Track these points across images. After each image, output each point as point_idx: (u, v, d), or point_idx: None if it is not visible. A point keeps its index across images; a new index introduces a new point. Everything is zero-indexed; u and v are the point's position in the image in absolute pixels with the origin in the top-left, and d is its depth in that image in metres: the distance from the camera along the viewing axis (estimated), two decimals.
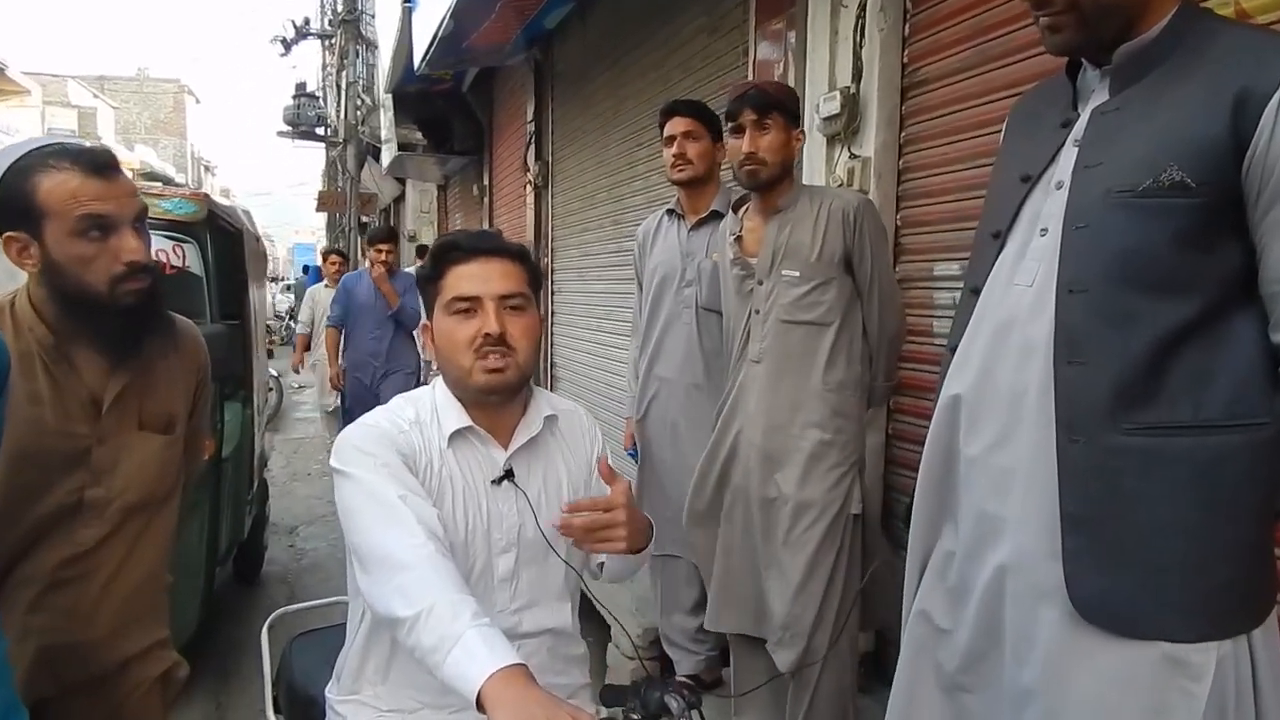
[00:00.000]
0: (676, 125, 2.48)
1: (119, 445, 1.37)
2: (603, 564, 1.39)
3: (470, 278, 1.27)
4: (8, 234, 1.26)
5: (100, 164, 1.26)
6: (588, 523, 1.20)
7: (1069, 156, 1.12)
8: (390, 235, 5.17)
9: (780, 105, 2.04)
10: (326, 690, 1.34)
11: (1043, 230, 1.13)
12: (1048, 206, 1.13)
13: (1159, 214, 1.01)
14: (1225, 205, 1.00)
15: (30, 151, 1.27)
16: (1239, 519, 1.03)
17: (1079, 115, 1.14)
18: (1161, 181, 1.01)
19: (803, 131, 2.08)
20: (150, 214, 2.90)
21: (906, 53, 2.67)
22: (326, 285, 6.53)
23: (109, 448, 1.36)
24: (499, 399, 1.29)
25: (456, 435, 1.28)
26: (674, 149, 2.47)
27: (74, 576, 1.34)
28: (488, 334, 1.24)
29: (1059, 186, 1.12)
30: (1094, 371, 1.05)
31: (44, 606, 1.32)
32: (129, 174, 1.35)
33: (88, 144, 1.32)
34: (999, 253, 1.20)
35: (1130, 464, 1.04)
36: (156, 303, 1.36)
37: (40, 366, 1.30)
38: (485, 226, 9.28)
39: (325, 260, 7.21)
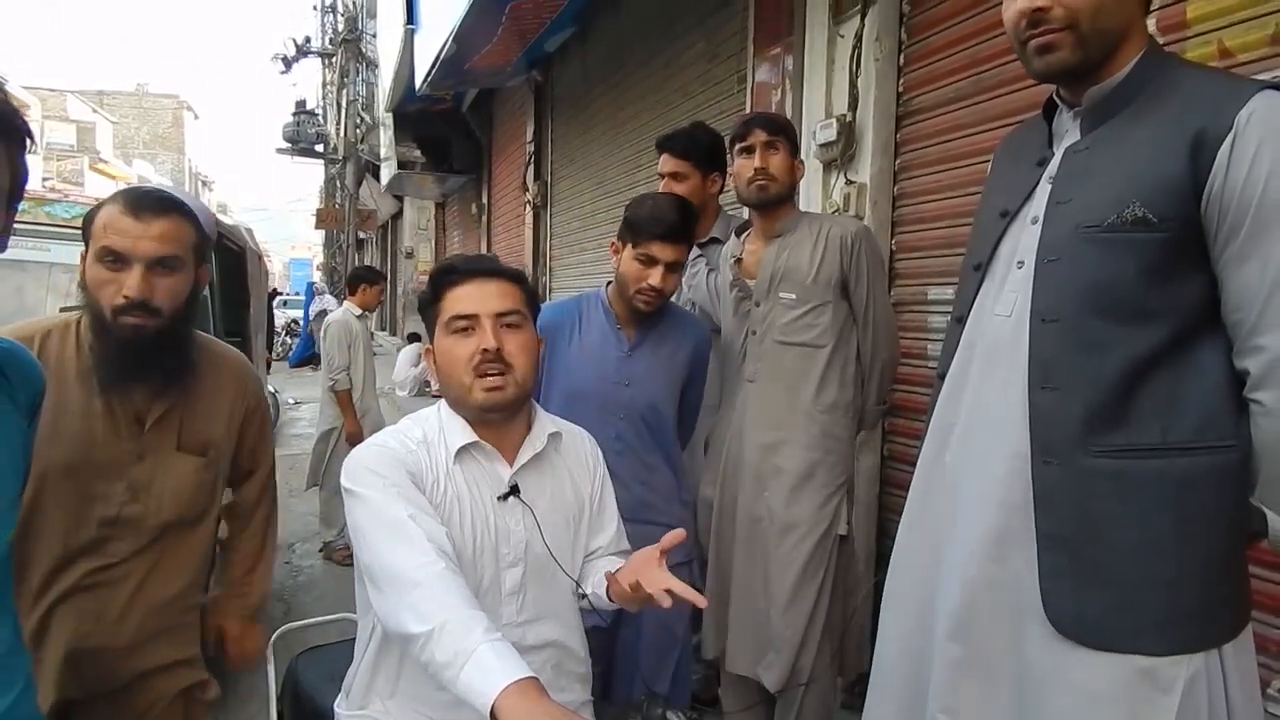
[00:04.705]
0: (665, 164, 2.49)
1: (156, 463, 1.44)
2: (584, 595, 1.40)
3: (467, 297, 1.32)
4: (82, 251, 1.42)
5: (139, 204, 1.36)
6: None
7: (1043, 193, 1.19)
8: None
9: (786, 131, 2.10)
10: (335, 705, 1.37)
11: (1019, 263, 1.19)
12: (1024, 240, 1.19)
13: (1125, 248, 1.07)
14: (1187, 239, 1.06)
15: (125, 188, 1.45)
16: (1210, 537, 1.08)
17: (1054, 154, 1.20)
18: (1125, 217, 1.07)
19: (801, 162, 2.12)
20: None
21: (902, 82, 2.74)
22: (361, 315, 4.80)
23: (147, 465, 1.43)
24: (499, 417, 1.33)
25: (463, 452, 1.32)
26: (662, 187, 2.47)
27: (102, 583, 1.40)
28: (485, 349, 1.28)
29: (1034, 221, 1.18)
30: (1066, 397, 1.11)
31: (72, 610, 1.38)
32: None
33: (167, 188, 1.46)
34: (980, 284, 1.26)
35: (1102, 485, 1.09)
36: (165, 345, 1.40)
37: (97, 382, 1.39)
38: (483, 245, 9.34)
39: (361, 290, 4.90)
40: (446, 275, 1.35)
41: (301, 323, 15.19)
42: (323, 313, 14.78)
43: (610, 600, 1.33)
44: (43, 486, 1.33)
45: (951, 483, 1.26)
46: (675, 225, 1.84)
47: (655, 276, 1.84)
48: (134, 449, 1.42)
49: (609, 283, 1.98)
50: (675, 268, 1.87)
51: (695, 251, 2.48)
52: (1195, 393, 1.07)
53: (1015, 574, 1.15)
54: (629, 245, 1.89)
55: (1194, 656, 1.06)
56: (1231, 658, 1.08)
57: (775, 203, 2.09)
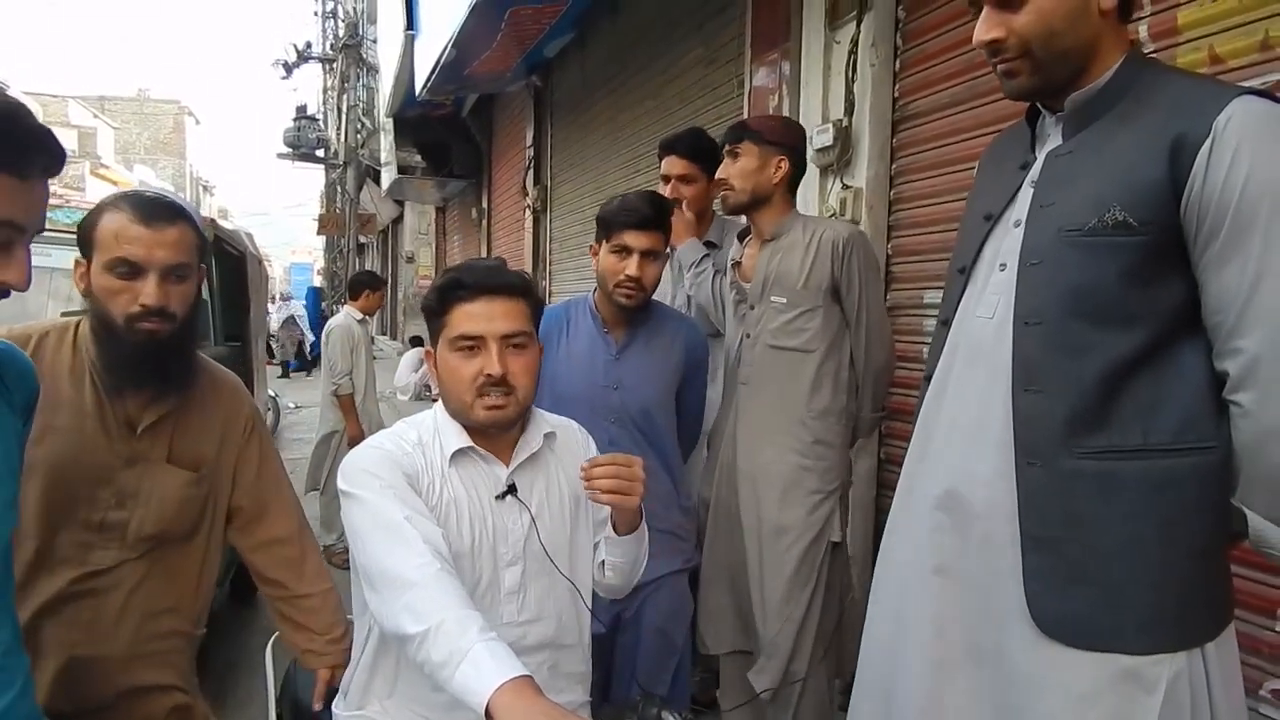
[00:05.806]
0: (673, 166, 2.46)
1: (145, 472, 1.43)
2: (603, 562, 1.42)
3: (475, 317, 1.32)
4: (76, 258, 1.39)
5: (151, 213, 1.35)
6: (611, 476, 1.26)
7: (1026, 196, 1.20)
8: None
9: (752, 133, 2.06)
10: (334, 706, 1.38)
11: (1002, 266, 1.21)
12: (1007, 243, 1.21)
13: (1106, 251, 1.09)
14: (1168, 243, 1.07)
15: (120, 193, 1.42)
16: (1191, 538, 1.09)
17: (1036, 158, 1.22)
18: (1106, 221, 1.08)
19: (785, 159, 2.06)
20: None
21: (898, 87, 2.75)
22: (362, 320, 4.84)
23: (136, 471, 1.43)
24: (498, 432, 1.35)
25: (459, 454, 1.34)
26: (669, 190, 2.44)
27: (91, 590, 1.40)
28: (489, 374, 1.29)
29: (1017, 225, 1.20)
30: (1049, 399, 1.12)
31: (62, 620, 1.38)
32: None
33: (163, 193, 1.44)
34: (964, 287, 1.27)
35: (1085, 486, 1.10)
36: (175, 349, 1.41)
37: (90, 383, 1.40)
38: (483, 249, 9.36)
39: (363, 295, 4.92)
40: (454, 290, 1.34)
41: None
42: (291, 319, 14.82)
43: (619, 534, 1.37)
44: (26, 484, 1.30)
45: (937, 486, 1.26)
46: (646, 215, 1.85)
47: (632, 265, 1.84)
48: (124, 453, 1.42)
49: (596, 288, 1.98)
50: (652, 257, 1.86)
51: (703, 250, 2.48)
52: (1176, 395, 1.08)
53: (999, 575, 1.16)
54: (604, 242, 1.90)
55: (1176, 656, 1.07)
56: (1214, 657, 1.09)
57: (739, 209, 2.09)
